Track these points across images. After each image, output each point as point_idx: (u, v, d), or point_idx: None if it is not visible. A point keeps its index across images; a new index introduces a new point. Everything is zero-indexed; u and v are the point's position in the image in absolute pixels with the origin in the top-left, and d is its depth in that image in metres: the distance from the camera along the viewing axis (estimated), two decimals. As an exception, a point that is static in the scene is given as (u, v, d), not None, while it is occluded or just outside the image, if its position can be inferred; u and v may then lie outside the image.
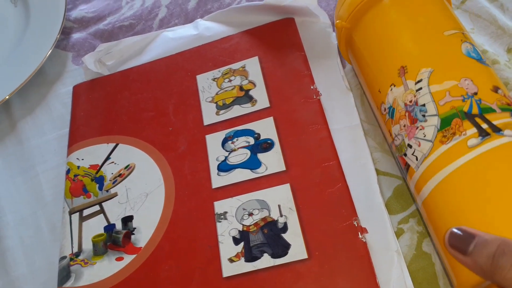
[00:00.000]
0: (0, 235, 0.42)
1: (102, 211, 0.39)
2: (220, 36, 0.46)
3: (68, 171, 0.42)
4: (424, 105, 0.29)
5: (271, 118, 0.39)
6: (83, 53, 0.52)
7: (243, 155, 0.38)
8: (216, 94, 0.43)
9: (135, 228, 0.38)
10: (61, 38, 0.54)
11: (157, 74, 0.46)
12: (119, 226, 0.38)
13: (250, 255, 0.33)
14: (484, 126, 0.26)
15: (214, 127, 0.41)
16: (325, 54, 0.42)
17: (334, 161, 0.36)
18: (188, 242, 0.35)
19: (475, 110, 0.27)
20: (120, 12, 0.54)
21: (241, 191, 0.36)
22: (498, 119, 0.27)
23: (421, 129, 0.28)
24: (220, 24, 0.48)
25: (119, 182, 0.40)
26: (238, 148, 0.39)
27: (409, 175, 0.30)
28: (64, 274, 0.37)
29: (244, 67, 0.43)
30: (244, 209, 0.36)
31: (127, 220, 0.38)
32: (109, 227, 0.38)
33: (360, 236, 0.32)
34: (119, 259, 0.36)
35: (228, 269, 0.33)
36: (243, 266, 0.33)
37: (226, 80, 0.43)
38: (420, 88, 0.29)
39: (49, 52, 0.50)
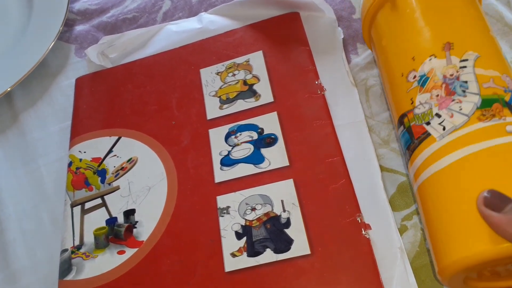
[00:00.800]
0: (2, 228, 0.42)
1: (104, 204, 0.39)
2: (224, 29, 0.46)
3: (70, 164, 0.42)
4: (466, 82, 0.29)
5: (275, 113, 0.39)
6: (86, 46, 0.52)
7: (246, 149, 0.38)
8: (220, 88, 0.42)
9: (137, 221, 0.37)
10: (64, 30, 0.53)
11: (160, 68, 0.46)
12: (121, 219, 0.38)
13: (253, 250, 0.33)
14: None
15: (218, 122, 0.40)
16: (330, 49, 0.42)
17: (338, 157, 0.35)
18: (190, 236, 0.35)
19: None
20: (124, 4, 0.54)
21: (244, 185, 0.36)
22: None
23: (458, 102, 0.29)
24: (225, 18, 0.47)
25: (121, 176, 0.40)
26: (242, 142, 0.39)
27: (425, 143, 0.30)
28: (66, 267, 0.37)
29: (248, 61, 0.43)
30: (247, 204, 0.35)
31: (129, 213, 0.38)
32: (111, 220, 0.38)
33: (363, 232, 0.32)
34: (121, 252, 0.36)
35: (231, 264, 0.33)
36: (246, 261, 0.33)
37: (230, 74, 0.43)
38: (465, 67, 0.30)
39: (52, 44, 0.49)
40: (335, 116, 0.38)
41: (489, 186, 0.26)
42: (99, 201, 0.40)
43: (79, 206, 0.40)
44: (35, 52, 0.49)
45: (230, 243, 0.34)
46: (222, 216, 0.35)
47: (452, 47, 0.31)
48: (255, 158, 0.37)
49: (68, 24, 0.54)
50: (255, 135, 0.39)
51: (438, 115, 0.29)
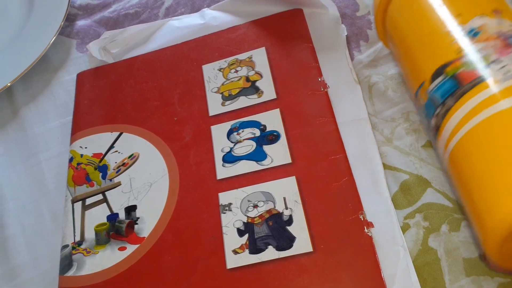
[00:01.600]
0: (1, 223, 0.42)
1: (105, 200, 0.39)
2: (227, 25, 0.46)
3: (71, 159, 0.42)
4: None
5: (278, 110, 0.39)
6: (87, 41, 0.51)
7: (248, 146, 0.38)
8: (222, 84, 0.42)
9: (138, 218, 0.37)
10: (65, 25, 0.53)
11: (162, 63, 0.45)
12: (122, 215, 0.38)
13: (255, 247, 0.33)
14: None
15: (220, 118, 0.40)
16: (333, 46, 0.42)
17: (340, 154, 0.35)
18: (192, 233, 0.35)
19: None
20: None
21: (246, 182, 0.36)
22: None
23: None
24: (227, 14, 0.47)
25: (122, 171, 0.40)
26: (244, 139, 0.38)
27: (477, 89, 0.28)
28: (66, 263, 0.37)
29: (251, 57, 0.43)
30: (249, 200, 0.35)
31: (130, 209, 0.38)
32: (112, 217, 0.38)
33: (365, 230, 0.32)
34: (122, 248, 0.36)
35: (232, 261, 0.33)
36: (247, 258, 0.33)
37: (233, 70, 0.43)
38: None
39: (53, 39, 0.49)
40: (338, 113, 0.38)
41: None
42: (100, 197, 0.39)
43: (80, 202, 0.40)
44: (36, 47, 0.49)
45: (232, 240, 0.34)
46: (224, 213, 0.35)
47: (501, 14, 0.30)
48: (258, 155, 0.37)
49: (70, 19, 0.54)
50: (257, 132, 0.38)
51: (496, 61, 0.28)
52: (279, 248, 0.33)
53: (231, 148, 0.38)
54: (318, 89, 0.39)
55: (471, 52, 0.30)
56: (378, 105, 0.39)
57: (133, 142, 0.41)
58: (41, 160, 0.45)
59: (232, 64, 0.43)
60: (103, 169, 0.41)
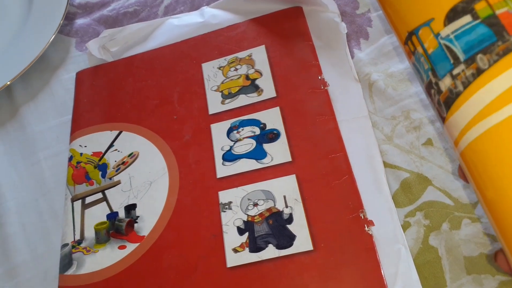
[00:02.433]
0: (1, 222, 0.42)
1: (105, 198, 0.39)
2: (227, 24, 0.46)
3: (70, 158, 0.42)
4: None
5: (278, 108, 0.39)
6: (86, 39, 0.51)
7: (248, 145, 0.38)
8: (222, 83, 0.42)
9: (138, 216, 0.37)
10: (64, 23, 0.53)
11: (162, 62, 0.45)
12: (122, 214, 0.38)
13: (255, 246, 0.33)
14: None
15: (219, 116, 0.40)
16: (333, 44, 0.41)
17: (341, 152, 0.35)
18: (192, 232, 0.35)
19: None
20: (125, -2, 0.54)
21: (246, 181, 0.36)
22: None
23: None
24: (227, 12, 0.47)
25: (122, 170, 0.40)
26: (244, 138, 0.38)
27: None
28: (66, 262, 0.37)
29: (250, 55, 0.43)
30: (249, 199, 0.35)
31: (130, 208, 0.38)
32: (112, 215, 0.38)
33: (366, 228, 0.32)
34: (122, 247, 0.36)
35: (232, 259, 0.33)
36: (248, 257, 0.33)
37: (232, 68, 0.42)
38: None
39: (52, 38, 0.49)
40: (338, 111, 0.37)
41: None
42: (100, 195, 0.39)
43: (80, 201, 0.39)
44: (36, 45, 0.49)
45: (232, 238, 0.34)
46: (224, 212, 0.35)
47: None
48: (257, 154, 0.37)
49: (69, 17, 0.54)
50: (257, 130, 0.38)
51: None
52: (279, 246, 0.33)
53: (231, 147, 0.38)
54: (318, 87, 0.39)
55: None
56: (379, 103, 0.39)
57: (132, 141, 0.41)
58: (41, 158, 0.45)
59: (232, 62, 0.43)
60: (103, 167, 0.41)
